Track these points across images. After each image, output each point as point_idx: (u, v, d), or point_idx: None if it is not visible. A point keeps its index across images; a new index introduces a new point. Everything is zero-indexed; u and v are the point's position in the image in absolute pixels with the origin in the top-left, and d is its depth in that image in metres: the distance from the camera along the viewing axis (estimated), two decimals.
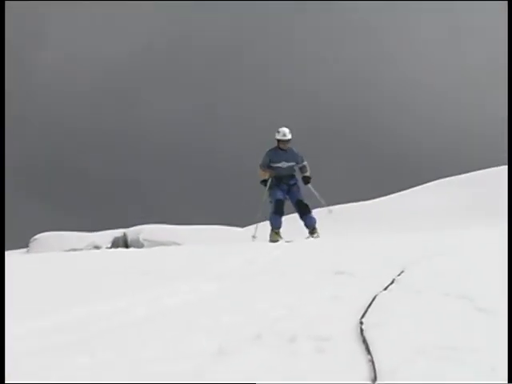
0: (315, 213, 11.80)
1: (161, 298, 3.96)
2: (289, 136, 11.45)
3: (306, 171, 11.65)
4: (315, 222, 11.44)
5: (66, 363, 2.49)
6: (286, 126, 11.51)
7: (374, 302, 3.43)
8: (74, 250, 17.95)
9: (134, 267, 6.07)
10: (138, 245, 19.61)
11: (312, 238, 10.95)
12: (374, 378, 2.12)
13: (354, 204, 24.65)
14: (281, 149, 11.47)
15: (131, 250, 12.10)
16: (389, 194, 26.01)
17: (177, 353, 2.59)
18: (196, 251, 8.47)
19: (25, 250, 27.57)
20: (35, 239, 28.43)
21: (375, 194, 25.27)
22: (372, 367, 2.23)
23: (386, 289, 3.89)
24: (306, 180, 11.67)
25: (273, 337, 2.75)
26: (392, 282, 4.14)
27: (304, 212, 11.46)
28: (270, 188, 11.51)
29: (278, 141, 11.46)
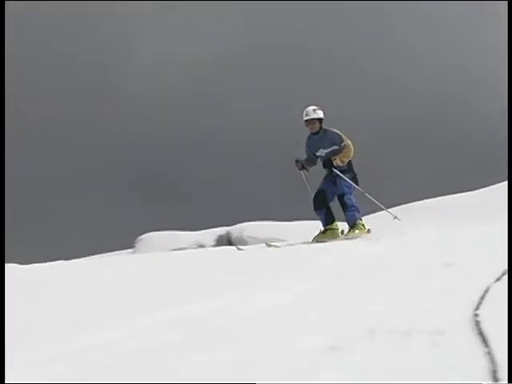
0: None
1: (268, 295, 4.00)
2: (312, 115, 9.11)
3: (339, 153, 9.16)
4: (355, 219, 9.01)
5: (183, 362, 2.54)
6: (316, 104, 9.26)
7: (486, 294, 3.37)
8: (180, 249, 18.43)
9: (240, 265, 6.17)
10: (242, 242, 19.89)
11: (346, 238, 8.90)
12: (494, 371, 2.10)
13: (450, 196, 23.91)
14: (313, 134, 9.27)
15: (235, 248, 12.26)
16: (488, 185, 24.85)
17: (291, 350, 2.60)
18: (297, 248, 8.50)
19: (131, 250, 28.63)
20: (140, 239, 29.50)
21: (471, 187, 24.25)
22: (491, 359, 2.20)
23: (498, 280, 3.82)
24: (326, 162, 9.24)
25: (386, 332, 2.73)
26: (504, 273, 4.04)
27: (342, 208, 9.14)
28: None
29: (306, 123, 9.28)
